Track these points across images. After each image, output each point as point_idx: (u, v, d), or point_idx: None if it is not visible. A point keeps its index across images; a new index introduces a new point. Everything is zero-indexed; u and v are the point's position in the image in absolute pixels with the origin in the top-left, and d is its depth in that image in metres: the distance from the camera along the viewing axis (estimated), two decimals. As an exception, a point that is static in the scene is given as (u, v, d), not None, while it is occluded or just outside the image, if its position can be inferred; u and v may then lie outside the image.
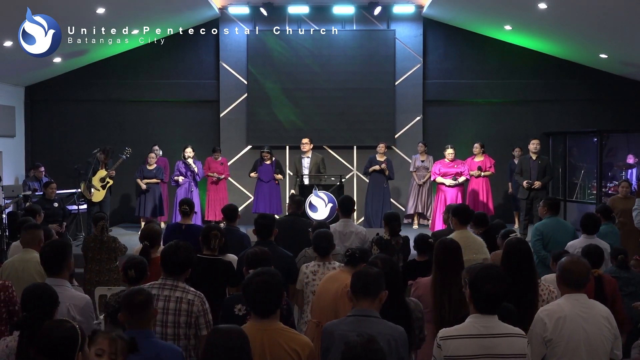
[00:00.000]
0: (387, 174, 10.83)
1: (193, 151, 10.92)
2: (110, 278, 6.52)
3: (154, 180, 11.09)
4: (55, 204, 9.33)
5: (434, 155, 11.52)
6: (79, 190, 10.61)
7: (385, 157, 10.98)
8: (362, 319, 3.23)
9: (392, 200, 12.65)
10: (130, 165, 11.26)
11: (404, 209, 12.48)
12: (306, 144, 10.82)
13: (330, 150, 12.75)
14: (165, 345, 3.26)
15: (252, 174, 10.88)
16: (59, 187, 10.29)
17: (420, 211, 11.50)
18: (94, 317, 4.03)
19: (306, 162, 10.75)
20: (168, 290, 3.77)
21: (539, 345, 3.35)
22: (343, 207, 6.44)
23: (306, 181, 10.34)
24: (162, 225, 11.20)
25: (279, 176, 10.86)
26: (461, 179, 10.51)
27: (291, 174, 11.52)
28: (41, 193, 10.21)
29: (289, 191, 12.10)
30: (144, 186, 10.99)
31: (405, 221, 11.58)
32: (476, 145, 11.06)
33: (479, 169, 10.82)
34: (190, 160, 10.81)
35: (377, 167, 10.77)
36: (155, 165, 11.19)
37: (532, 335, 3.36)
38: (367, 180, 11.27)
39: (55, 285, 3.67)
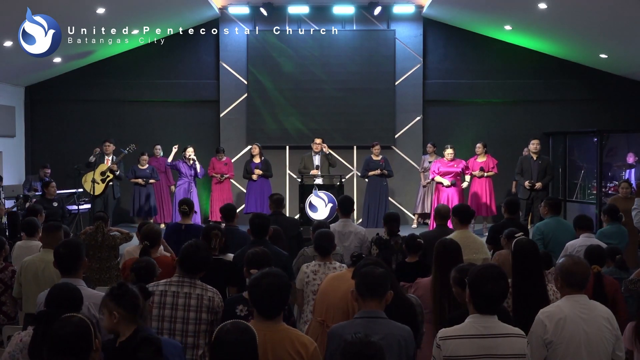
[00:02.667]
0: (387, 174, 10.81)
1: (194, 151, 10.93)
2: (111, 276, 6.53)
3: (152, 181, 11.10)
4: (55, 204, 9.33)
5: (438, 155, 11.51)
6: (80, 190, 10.63)
7: (380, 156, 10.95)
8: (371, 321, 3.21)
9: (392, 200, 12.67)
10: (129, 165, 11.26)
11: (403, 209, 12.49)
12: (318, 144, 10.76)
13: (330, 150, 12.72)
14: (166, 341, 3.28)
15: (254, 175, 10.82)
16: (59, 187, 10.28)
17: (427, 211, 11.48)
18: None
19: (317, 159, 10.74)
20: (187, 287, 3.80)
21: (539, 347, 3.34)
22: (342, 207, 6.44)
23: (319, 181, 10.31)
24: (162, 225, 11.20)
25: (258, 171, 10.82)
26: (468, 178, 10.50)
27: (292, 174, 11.48)
28: (41, 193, 10.22)
29: (288, 190, 12.11)
30: (141, 181, 10.98)
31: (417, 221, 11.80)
32: (479, 145, 11.02)
33: (481, 169, 10.79)
34: (195, 160, 10.80)
35: (377, 172, 10.73)
36: (147, 165, 11.20)
37: (532, 337, 3.34)
38: (367, 180, 11.26)
39: None
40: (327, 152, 10.87)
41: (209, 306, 3.77)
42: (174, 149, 10.90)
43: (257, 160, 10.98)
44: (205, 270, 3.92)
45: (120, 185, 11.00)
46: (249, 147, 12.65)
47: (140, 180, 11.01)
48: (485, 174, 10.80)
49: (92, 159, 10.51)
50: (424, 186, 11.44)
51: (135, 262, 4.35)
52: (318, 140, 10.83)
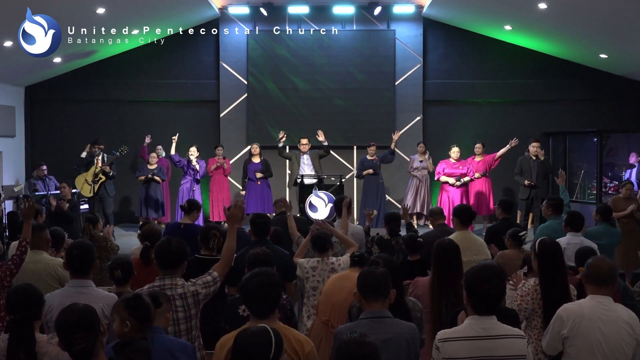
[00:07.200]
0: (379, 172, 10.81)
1: (198, 151, 10.90)
2: (103, 277, 6.50)
3: (157, 179, 11.05)
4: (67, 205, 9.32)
5: (434, 155, 11.51)
6: (79, 190, 10.62)
7: (375, 157, 10.97)
8: (377, 321, 3.20)
9: (391, 200, 12.67)
10: (129, 165, 11.26)
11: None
12: (305, 145, 10.67)
13: (330, 150, 12.72)
14: (175, 341, 3.28)
15: (242, 187, 10.81)
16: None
17: (418, 211, 11.48)
18: None
19: (306, 158, 10.54)
20: (169, 290, 3.76)
21: (554, 340, 3.39)
22: (339, 207, 6.45)
23: (307, 181, 10.30)
24: (162, 225, 11.19)
25: (259, 174, 10.77)
26: (465, 179, 10.52)
27: (290, 172, 11.45)
28: (42, 193, 10.22)
29: (288, 190, 12.08)
30: (149, 175, 10.93)
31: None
32: (478, 145, 11.04)
33: (484, 174, 10.82)
34: (193, 159, 10.77)
35: (370, 171, 10.76)
36: (156, 165, 11.18)
37: (550, 330, 3.41)
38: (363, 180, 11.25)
39: (82, 286, 3.76)
40: (324, 143, 10.66)
41: (195, 300, 3.69)
42: (174, 141, 10.85)
43: (256, 160, 10.92)
44: (184, 260, 3.79)
45: (120, 184, 11.00)
46: (249, 147, 12.68)
47: (149, 175, 10.95)
48: (500, 155, 10.77)
49: (83, 154, 10.55)
50: (418, 185, 11.44)
51: (112, 261, 4.35)
52: (304, 141, 10.67)
